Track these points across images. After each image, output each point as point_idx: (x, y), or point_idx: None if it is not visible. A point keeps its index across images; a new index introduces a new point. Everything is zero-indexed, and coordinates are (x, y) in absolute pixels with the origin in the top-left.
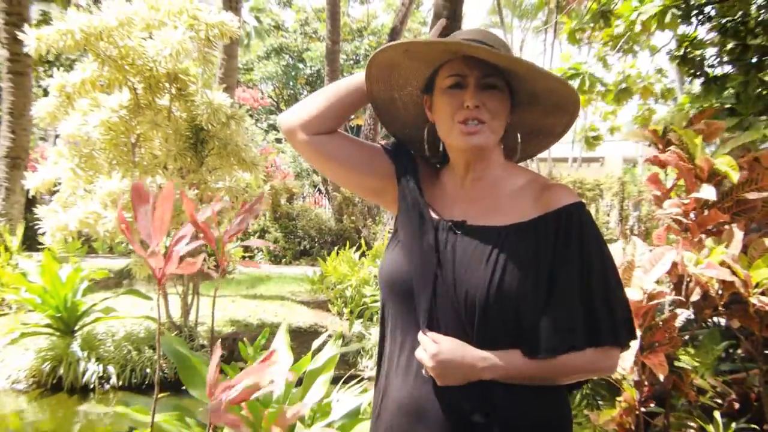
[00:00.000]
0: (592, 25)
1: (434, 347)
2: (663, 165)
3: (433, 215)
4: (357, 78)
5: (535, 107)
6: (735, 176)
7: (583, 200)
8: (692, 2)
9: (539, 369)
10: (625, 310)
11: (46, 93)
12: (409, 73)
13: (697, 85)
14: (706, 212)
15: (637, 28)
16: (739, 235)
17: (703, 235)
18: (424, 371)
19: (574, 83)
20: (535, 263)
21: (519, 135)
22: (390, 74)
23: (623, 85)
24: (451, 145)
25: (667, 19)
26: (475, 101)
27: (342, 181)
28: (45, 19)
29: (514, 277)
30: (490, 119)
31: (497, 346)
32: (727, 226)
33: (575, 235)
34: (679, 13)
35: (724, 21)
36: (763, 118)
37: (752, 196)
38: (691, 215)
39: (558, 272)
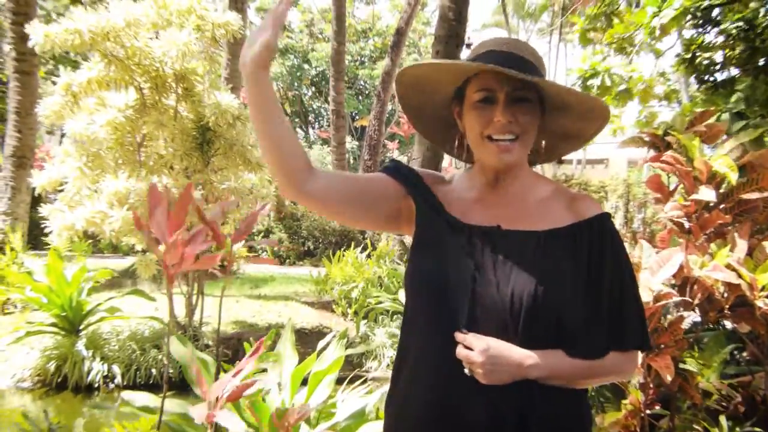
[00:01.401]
0: (597, 24)
1: (483, 343)
2: (663, 168)
3: (461, 221)
4: (254, 109)
5: (567, 113)
6: (734, 177)
7: None
8: (708, 4)
9: (580, 370)
10: (643, 316)
11: None
12: (439, 83)
13: (703, 88)
14: (707, 214)
15: (657, 32)
16: (744, 237)
17: (706, 237)
18: (467, 370)
19: (595, 82)
20: (574, 268)
21: (550, 139)
22: (420, 83)
23: (623, 86)
24: (483, 160)
25: (687, 20)
26: (507, 117)
27: (362, 220)
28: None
29: (558, 281)
30: (522, 133)
31: (540, 348)
32: (729, 227)
33: (608, 244)
34: (699, 14)
35: (732, 24)
36: None
37: (752, 196)
38: (694, 217)
39: (593, 279)
